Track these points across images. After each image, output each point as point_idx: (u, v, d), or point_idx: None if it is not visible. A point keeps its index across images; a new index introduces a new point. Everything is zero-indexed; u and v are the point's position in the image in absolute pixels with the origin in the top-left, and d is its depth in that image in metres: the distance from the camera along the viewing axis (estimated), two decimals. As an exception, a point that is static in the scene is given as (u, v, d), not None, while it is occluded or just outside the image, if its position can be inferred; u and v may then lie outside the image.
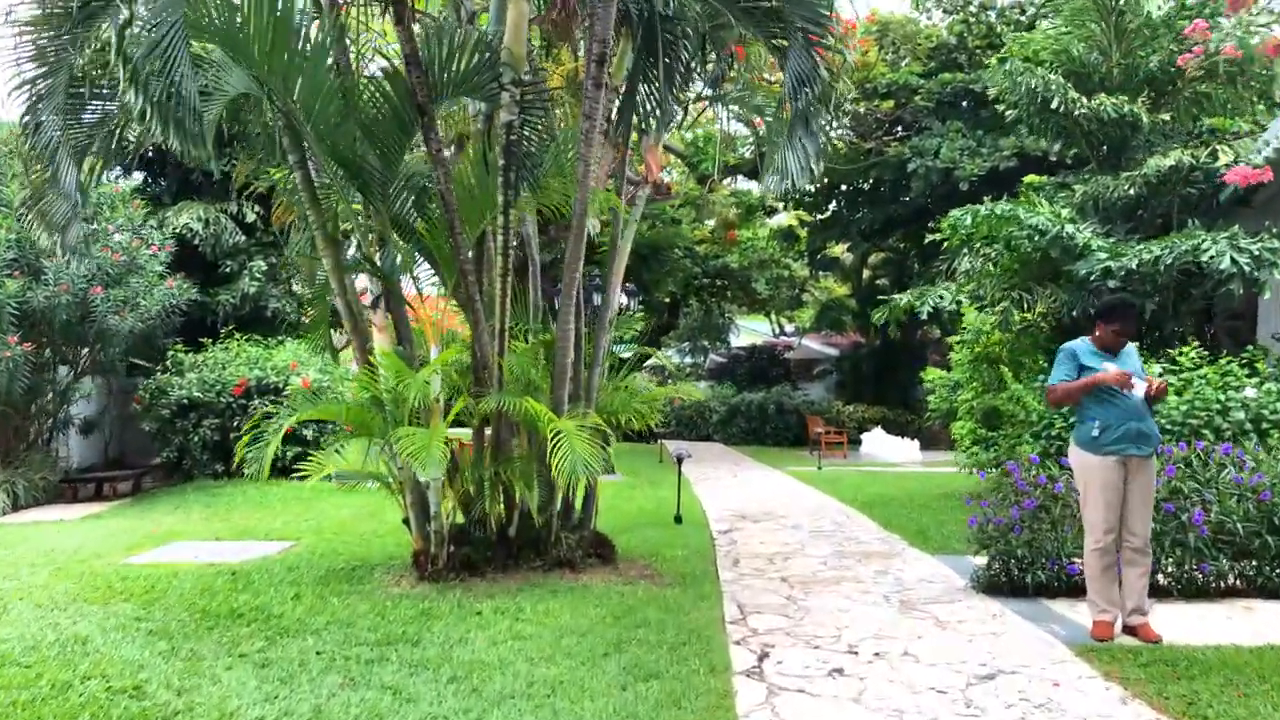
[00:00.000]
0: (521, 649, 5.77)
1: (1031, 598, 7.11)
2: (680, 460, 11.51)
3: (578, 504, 8.48)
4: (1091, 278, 10.72)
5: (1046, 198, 12.76)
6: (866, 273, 31.03)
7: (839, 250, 29.62)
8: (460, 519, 7.94)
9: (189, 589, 7.57)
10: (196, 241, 17.20)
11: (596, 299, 10.82)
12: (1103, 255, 10.61)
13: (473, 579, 7.59)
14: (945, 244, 13.26)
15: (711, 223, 28.42)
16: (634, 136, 9.72)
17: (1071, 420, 10.79)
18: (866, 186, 26.25)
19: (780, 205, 26.00)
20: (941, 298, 11.80)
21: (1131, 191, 11.20)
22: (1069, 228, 10.84)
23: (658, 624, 6.39)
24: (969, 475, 13.49)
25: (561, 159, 7.64)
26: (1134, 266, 10.37)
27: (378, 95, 7.30)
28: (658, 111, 8.77)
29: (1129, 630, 6.09)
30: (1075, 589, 7.05)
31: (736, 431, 28.41)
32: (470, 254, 7.46)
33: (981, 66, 22.71)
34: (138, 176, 19.69)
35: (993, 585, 7.31)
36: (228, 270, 17.99)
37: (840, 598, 7.31)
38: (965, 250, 13.07)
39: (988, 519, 7.49)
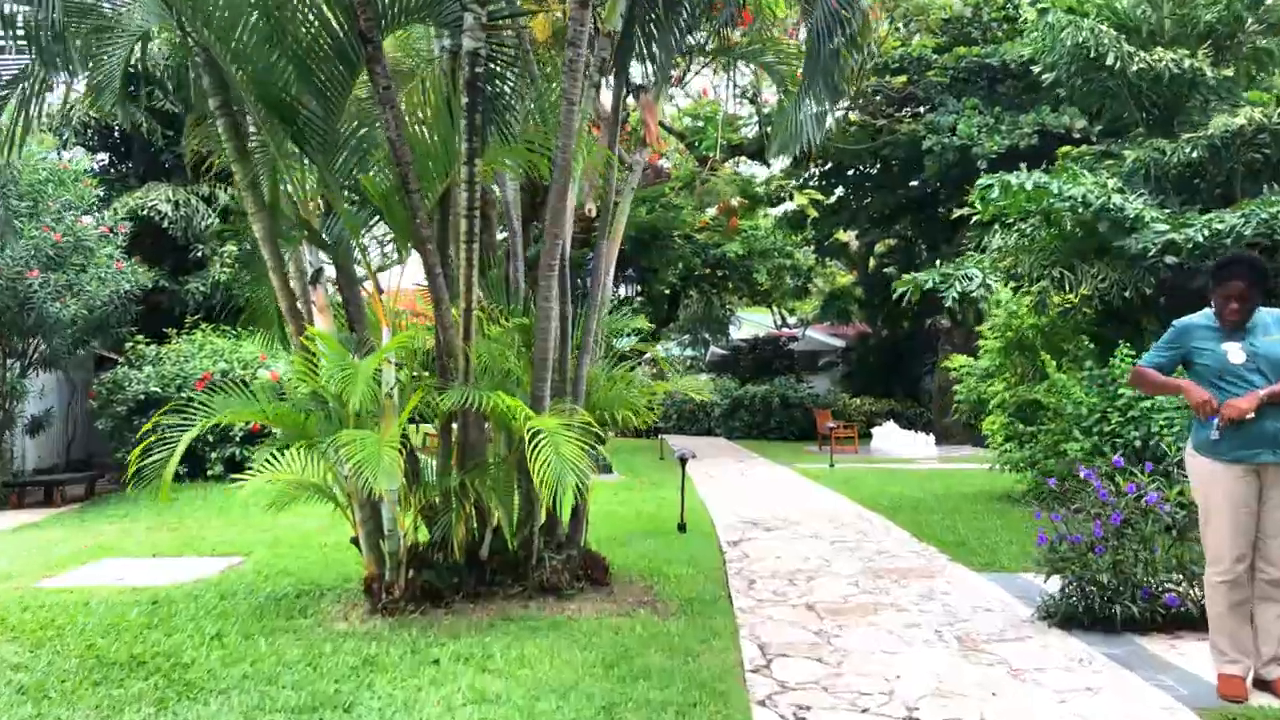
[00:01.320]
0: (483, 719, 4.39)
1: (1118, 633, 5.74)
2: (684, 461, 10.15)
3: (564, 517, 7.11)
4: (1149, 253, 9.33)
5: (1086, 169, 11.36)
6: (873, 261, 29.62)
7: (846, 236, 28.21)
8: (425, 536, 6.56)
9: (94, 625, 6.20)
10: (166, 224, 15.84)
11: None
12: (1163, 227, 9.23)
13: (436, 610, 6.21)
14: (974, 218, 11.89)
15: (712, 210, 27.03)
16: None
17: (1132, 415, 9.48)
18: (874, 170, 24.86)
19: (786, 193, 24.60)
20: (970, 278, 10.40)
21: (1194, 154, 9.80)
22: (1117, 198, 9.45)
23: (661, 674, 5.02)
24: (1001, 474, 12.12)
25: (542, 103, 6.24)
26: (1202, 239, 8.98)
27: (314, 23, 5.90)
28: (658, 55, 7.36)
29: (1261, 684, 4.71)
30: (1174, 623, 5.70)
31: (739, 425, 27.03)
32: (428, 217, 6.07)
33: (997, 41, 21.35)
34: (103, 158, 18.36)
35: (1069, 617, 5.93)
36: (200, 256, 16.62)
37: (882, 633, 5.93)
38: (996, 226, 11.70)
39: (1060, 535, 6.11)
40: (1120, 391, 9.30)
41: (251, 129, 6.16)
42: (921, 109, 21.01)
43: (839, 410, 25.33)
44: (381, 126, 5.86)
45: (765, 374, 30.69)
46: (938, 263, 11.43)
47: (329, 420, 6.04)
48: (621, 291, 33.75)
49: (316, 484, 6.27)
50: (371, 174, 6.31)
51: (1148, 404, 9.02)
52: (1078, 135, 18.38)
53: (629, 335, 8.18)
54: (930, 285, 10.49)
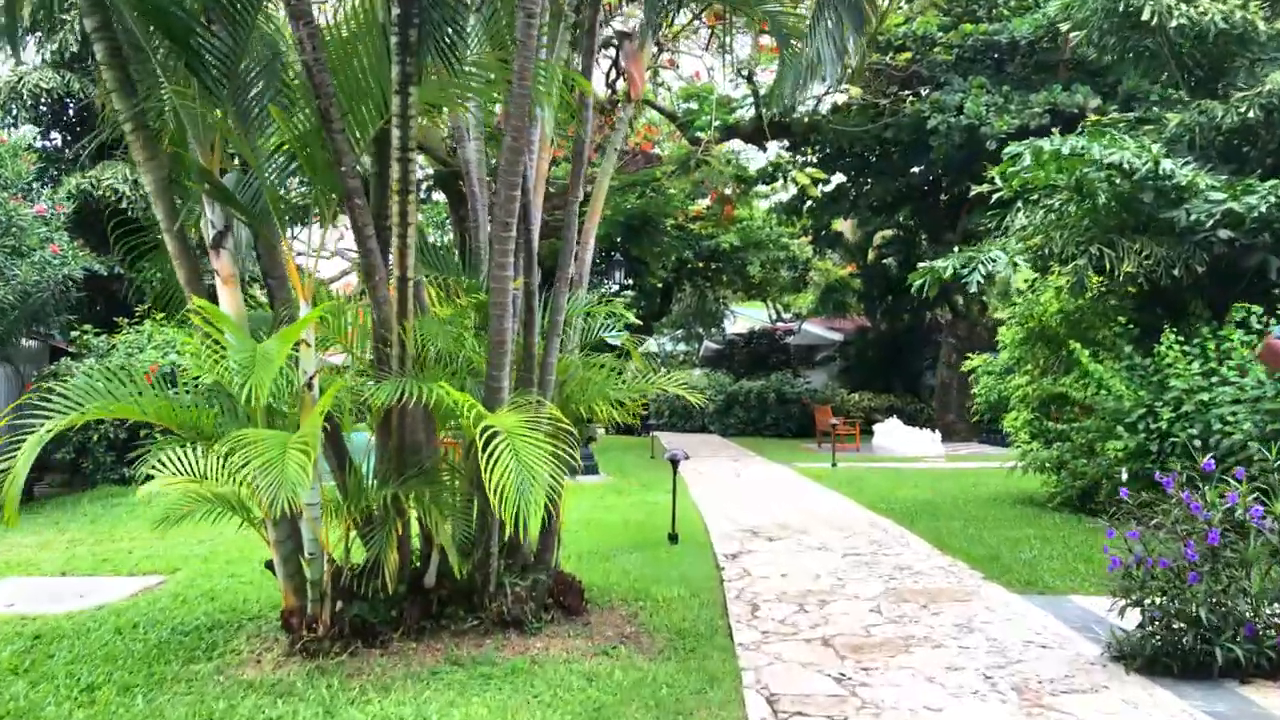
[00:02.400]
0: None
1: (1215, 681, 4.55)
2: (676, 463, 8.94)
3: (532, 534, 5.88)
4: (1204, 225, 8.14)
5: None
6: (872, 252, 28.39)
7: (843, 225, 26.99)
8: (363, 557, 5.33)
9: (-52, 668, 4.99)
10: (125, 205, 14.57)
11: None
12: (1219, 196, 8.03)
13: (369, 651, 4.99)
14: (994, 196, 10.69)
15: (706, 201, 25.82)
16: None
17: (1186, 410, 8.26)
18: (874, 157, 23.63)
19: (783, 173, 23.33)
20: (994, 260, 9.19)
21: (1251, 114, 8.61)
22: (1166, 163, 8.24)
23: (643, 747, 3.82)
24: (1024, 475, 10.93)
25: (499, 23, 5.00)
26: (1266, 209, 7.79)
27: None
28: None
29: None
30: (1289, 671, 4.52)
31: (734, 422, 25.82)
32: (356, 164, 4.84)
33: (1004, 18, 20.15)
34: (57, 137, 17.10)
35: (1152, 660, 4.73)
36: (161, 240, 15.34)
37: (920, 680, 4.73)
38: (1019, 203, 10.50)
39: (1138, 558, 4.91)
40: (1171, 383, 8.11)
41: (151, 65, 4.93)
42: (925, 89, 19.77)
43: (837, 406, 24.13)
44: (296, 47, 4.63)
45: (761, 369, 29.49)
46: (955, 249, 10.21)
47: (233, 416, 4.82)
48: (614, 285, 32.69)
49: (221, 494, 5.03)
50: (292, 117, 5.07)
51: (1206, 397, 7.83)
52: (1091, 115, 17.20)
53: (609, 322, 6.94)
54: (951, 273, 9.28)
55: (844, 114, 20.99)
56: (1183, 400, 8.02)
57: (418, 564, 5.52)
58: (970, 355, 12.42)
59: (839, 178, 24.41)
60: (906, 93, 19.22)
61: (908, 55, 19.10)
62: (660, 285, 30.66)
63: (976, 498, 11.54)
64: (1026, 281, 11.14)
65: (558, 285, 5.72)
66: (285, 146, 5.01)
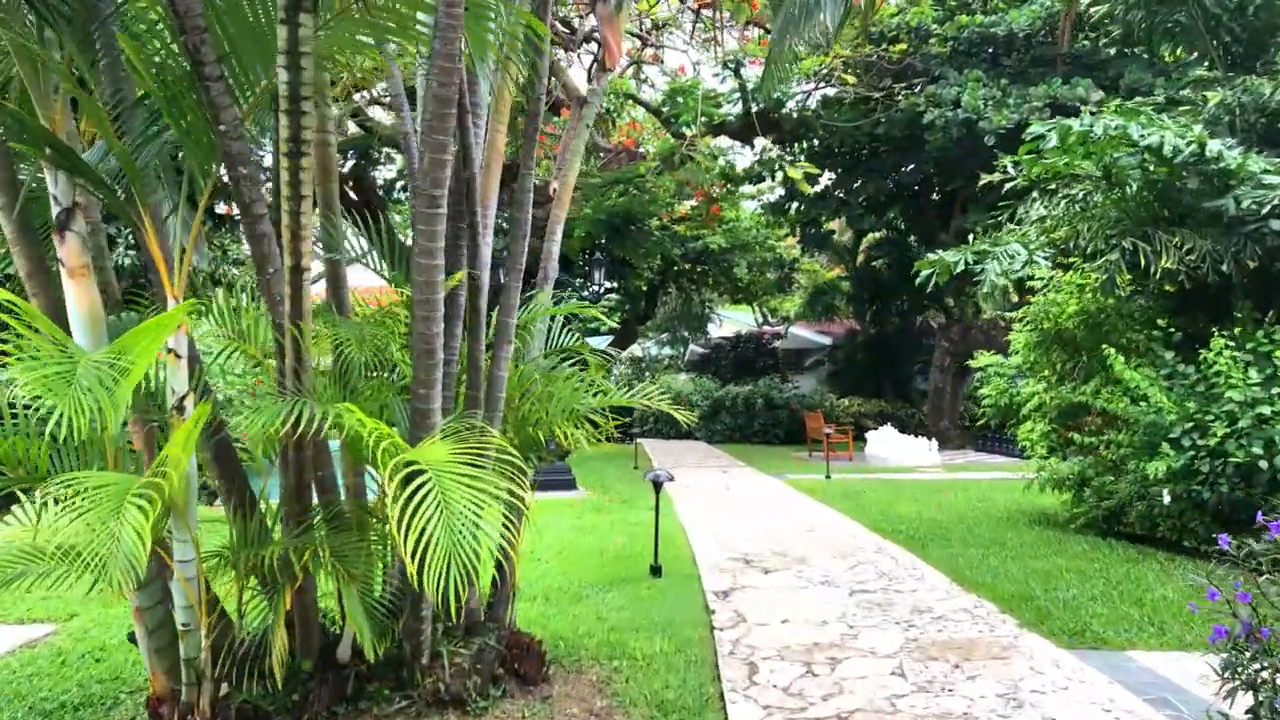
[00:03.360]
0: None
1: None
2: (659, 486, 7.77)
3: (482, 588, 4.71)
4: (1255, 213, 7.03)
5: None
6: (861, 255, 27.32)
7: (834, 225, 25.89)
8: (255, 624, 4.13)
9: None
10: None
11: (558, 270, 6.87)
12: (1275, 180, 6.92)
13: (261, 750, 3.81)
14: (1006, 186, 9.60)
15: (692, 201, 24.71)
16: None
17: (1241, 426, 7.12)
18: (864, 154, 22.55)
19: (774, 168, 22.27)
20: (1012, 255, 8.09)
21: (1304, 92, 7.53)
22: (1213, 144, 7.14)
23: None
24: (1039, 491, 9.80)
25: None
26: (1332, 195, 6.69)
27: None
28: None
29: None
30: None
31: (721, 429, 24.64)
32: (239, 124, 3.65)
33: (1001, 10, 19.11)
34: None
35: (1274, 764, 3.60)
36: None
37: (973, 790, 3.58)
38: (1034, 194, 9.39)
39: (1247, 627, 3.77)
40: (1225, 394, 7.00)
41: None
42: (919, 84, 18.67)
43: (827, 412, 23.02)
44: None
45: (748, 373, 28.36)
46: (971, 238, 9.08)
47: (77, 451, 3.62)
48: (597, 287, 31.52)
49: (63, 546, 3.82)
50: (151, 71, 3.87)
51: (1268, 410, 6.72)
52: (1093, 109, 16.17)
53: (577, 328, 5.80)
54: (963, 267, 8.16)
55: (835, 109, 19.92)
56: (1237, 414, 6.91)
57: (339, 627, 4.34)
58: (976, 355, 11.29)
59: (828, 177, 23.33)
60: (901, 85, 18.11)
61: (902, 46, 18.03)
62: (645, 288, 29.52)
63: (987, 516, 10.41)
64: (1041, 279, 10.03)
65: (508, 279, 4.54)
66: (151, 101, 3.82)
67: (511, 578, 5.04)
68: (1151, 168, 7.93)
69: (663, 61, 21.77)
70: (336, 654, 4.09)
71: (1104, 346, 8.06)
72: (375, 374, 4.41)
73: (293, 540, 3.68)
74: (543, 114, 5.35)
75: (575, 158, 6.23)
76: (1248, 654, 3.73)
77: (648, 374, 36.15)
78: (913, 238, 25.03)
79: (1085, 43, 19.70)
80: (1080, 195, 8.67)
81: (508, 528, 4.66)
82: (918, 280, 8.57)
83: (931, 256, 8.54)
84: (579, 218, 17.11)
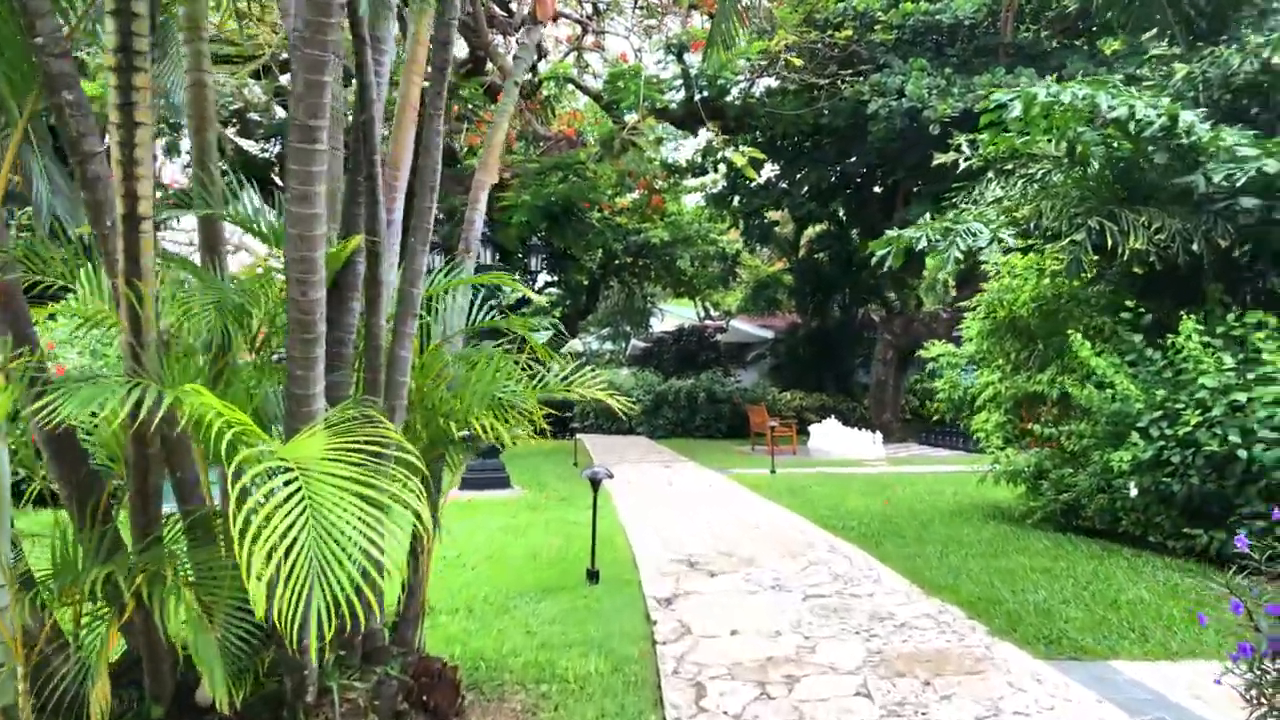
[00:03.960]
0: None
1: None
2: (597, 484, 7.08)
3: (384, 610, 3.96)
4: (1230, 188, 6.59)
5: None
6: (804, 247, 26.94)
7: (777, 216, 25.44)
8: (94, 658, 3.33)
9: None
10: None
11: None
12: (1249, 152, 6.47)
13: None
14: (962, 165, 9.11)
15: (634, 195, 24.05)
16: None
17: (1212, 415, 6.63)
18: (808, 145, 22.13)
19: (716, 158, 21.70)
20: (974, 234, 7.57)
21: (1277, 59, 7.09)
22: (1186, 115, 6.69)
23: None
24: (994, 484, 9.34)
25: None
26: (1309, 169, 6.26)
27: None
28: None
29: None
30: None
31: (663, 423, 24.03)
32: (60, 35, 2.87)
33: (944, -1, 18.78)
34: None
35: (1311, 806, 3.04)
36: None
37: None
38: (990, 174, 8.91)
39: (1274, 646, 3.22)
40: (1199, 381, 6.53)
41: None
42: (865, 70, 18.22)
43: (769, 406, 22.54)
44: None
45: (690, 367, 27.79)
46: (927, 217, 8.56)
47: None
48: (537, 280, 30.70)
49: None
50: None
51: (1241, 397, 6.26)
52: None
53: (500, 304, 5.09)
54: (922, 245, 7.61)
55: (779, 98, 19.39)
56: (1209, 401, 6.46)
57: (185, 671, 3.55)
58: (927, 345, 10.80)
59: (772, 169, 22.86)
60: (847, 71, 17.65)
61: (848, 33, 17.56)
62: (586, 282, 28.80)
63: (939, 511, 9.92)
64: (994, 265, 9.57)
65: (413, 240, 3.80)
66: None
67: (420, 594, 4.31)
68: (1115, 144, 7.47)
69: (604, 49, 21.09)
70: (196, 697, 3.32)
71: (1068, 331, 7.57)
72: (261, 351, 3.65)
73: (129, 559, 2.90)
74: (455, 75, 4.61)
75: (503, 118, 5.50)
76: (1272, 674, 3.17)
77: (589, 369, 35.43)
78: (855, 231, 24.73)
79: (1027, 34, 19.52)
80: (1039, 174, 8.19)
81: (418, 539, 3.94)
82: (873, 260, 8.01)
83: (890, 233, 7.98)
84: (517, 205, 16.30)
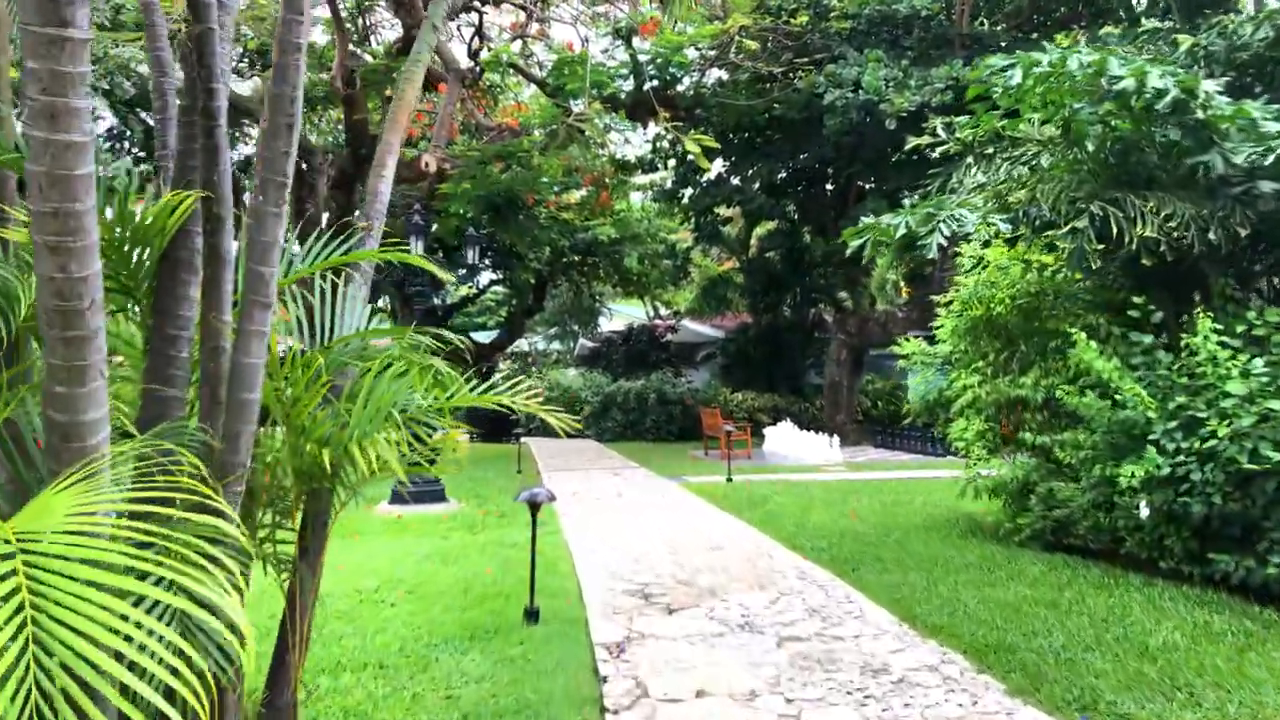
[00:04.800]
0: None
1: None
2: (536, 508, 6.01)
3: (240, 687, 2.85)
4: (1249, 170, 5.74)
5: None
6: (754, 245, 26.09)
7: (728, 213, 24.53)
8: None
9: None
10: None
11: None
12: (1274, 128, 5.63)
13: None
14: (939, 149, 8.24)
15: (582, 192, 22.95)
16: None
17: (1238, 425, 5.69)
18: (759, 140, 21.27)
19: (664, 148, 20.79)
20: (960, 220, 6.67)
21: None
22: (1208, 85, 5.84)
23: None
24: (973, 497, 8.46)
25: None
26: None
27: None
28: None
29: None
30: None
31: (612, 425, 22.96)
32: None
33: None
34: None
35: None
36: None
37: None
38: (970, 159, 8.04)
39: None
40: (1225, 387, 5.67)
41: None
42: (821, 59, 17.36)
43: (719, 406, 21.62)
44: None
45: (640, 368, 26.74)
46: (907, 202, 7.64)
47: None
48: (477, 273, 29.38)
49: None
50: None
51: (1276, 404, 5.40)
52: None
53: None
54: (904, 232, 6.68)
55: (731, 89, 18.45)
56: (1235, 411, 5.59)
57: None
58: (900, 342, 9.90)
59: (722, 164, 21.95)
60: (802, 60, 16.78)
61: (805, 17, 16.70)
62: (533, 280, 27.61)
63: (911, 525, 9.03)
64: (970, 258, 8.71)
65: (260, 200, 2.69)
66: None
67: (295, 671, 3.21)
68: (1114, 123, 6.60)
69: (550, 37, 19.98)
70: None
71: (1068, 329, 6.67)
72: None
73: None
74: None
75: (417, 67, 4.42)
76: None
77: (534, 369, 34.23)
78: (806, 229, 23.95)
79: (983, 25, 18.91)
80: (1026, 158, 7.32)
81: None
82: (847, 251, 7.06)
83: (865, 221, 7.03)
84: (456, 194, 15.10)
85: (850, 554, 7.64)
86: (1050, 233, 6.41)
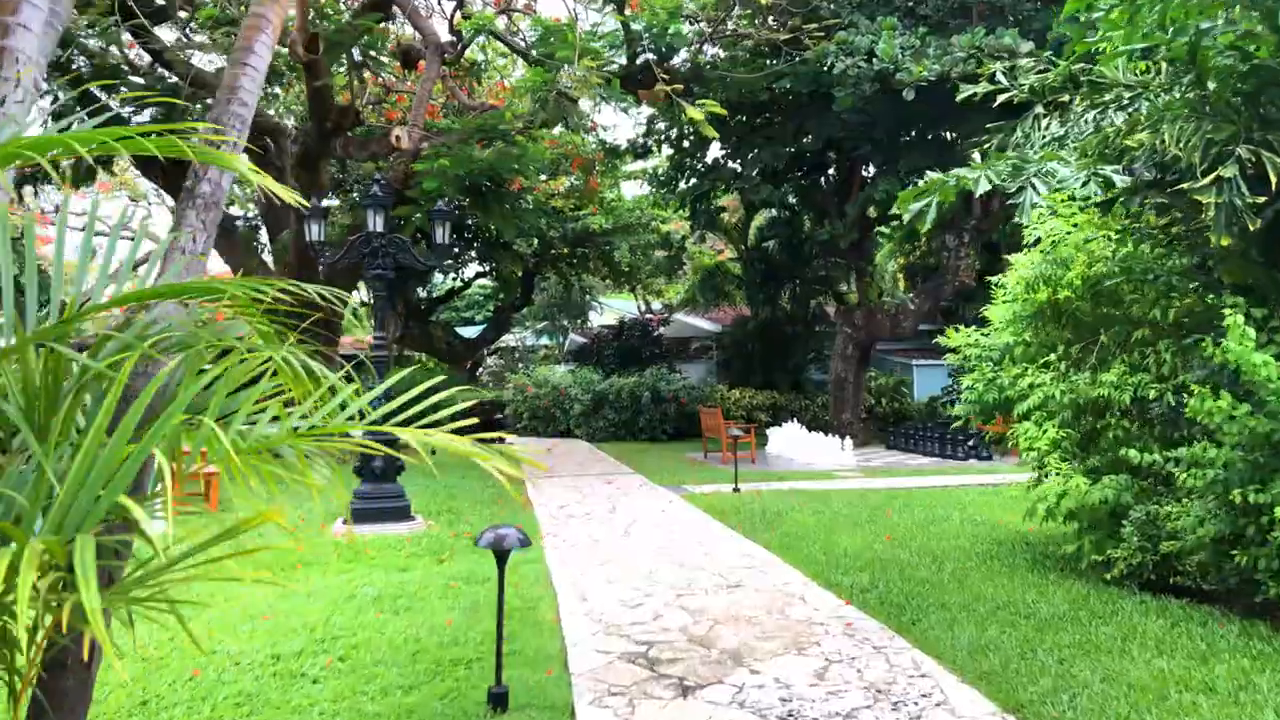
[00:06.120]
0: None
1: None
2: (503, 560, 4.43)
3: None
4: None
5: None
6: (753, 234, 24.50)
7: (725, 202, 22.93)
8: None
9: None
10: None
11: None
12: None
13: None
14: (998, 100, 6.68)
15: (571, 179, 21.32)
16: None
17: None
18: (760, 122, 19.68)
19: (656, 135, 19.17)
20: (1049, 174, 5.10)
21: None
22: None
23: None
24: (1042, 519, 6.86)
25: None
26: None
27: None
28: None
29: None
30: None
31: (604, 425, 21.29)
32: None
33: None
34: None
35: None
36: None
37: None
38: (1038, 109, 6.46)
39: None
40: None
41: None
42: (829, 27, 15.75)
43: (716, 404, 20.02)
44: None
45: (633, 364, 25.10)
46: (978, 156, 6.04)
47: None
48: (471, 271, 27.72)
49: None
50: None
51: None
52: (1024, 61, 13.65)
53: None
54: (986, 186, 5.10)
55: (730, 65, 16.82)
56: None
57: None
58: (950, 331, 8.31)
59: (720, 149, 20.32)
60: (811, 26, 15.17)
61: (813, -21, 15.09)
62: (521, 273, 25.95)
63: (961, 550, 7.45)
64: (1034, 229, 7.15)
65: None
66: None
67: None
68: (1254, 46, 5.03)
69: (536, 12, 18.35)
70: None
71: (1226, 312, 5.05)
72: None
73: None
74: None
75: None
76: None
77: (522, 366, 32.59)
78: (806, 216, 22.38)
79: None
80: (1125, 102, 5.73)
81: None
82: (905, 218, 5.46)
83: (933, 175, 5.43)
84: (433, 170, 13.43)
85: (902, 596, 6.05)
86: (1188, 184, 4.81)
